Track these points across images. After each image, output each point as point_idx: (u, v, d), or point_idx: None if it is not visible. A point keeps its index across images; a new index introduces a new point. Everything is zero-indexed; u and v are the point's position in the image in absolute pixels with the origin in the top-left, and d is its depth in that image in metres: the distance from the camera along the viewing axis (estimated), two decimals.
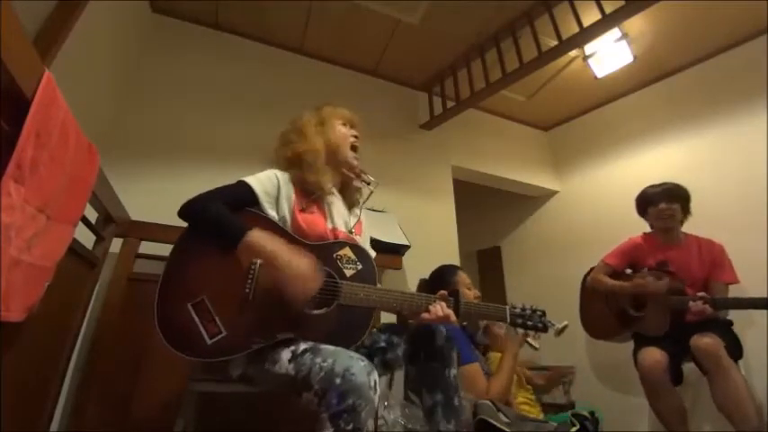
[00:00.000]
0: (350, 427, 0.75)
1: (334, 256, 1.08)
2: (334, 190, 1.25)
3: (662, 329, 1.82)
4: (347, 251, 1.10)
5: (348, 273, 1.07)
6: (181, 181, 1.92)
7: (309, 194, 1.16)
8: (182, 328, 0.92)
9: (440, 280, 1.79)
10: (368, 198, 1.31)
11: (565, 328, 1.23)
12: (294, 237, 1.07)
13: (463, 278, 1.78)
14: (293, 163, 1.17)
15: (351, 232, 1.20)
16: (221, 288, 0.97)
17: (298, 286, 0.92)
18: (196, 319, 0.93)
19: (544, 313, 1.22)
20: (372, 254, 1.25)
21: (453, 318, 1.09)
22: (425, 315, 1.08)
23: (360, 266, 1.09)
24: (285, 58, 2.48)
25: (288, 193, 1.13)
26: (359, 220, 1.28)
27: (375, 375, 0.83)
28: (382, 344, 1.11)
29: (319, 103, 1.33)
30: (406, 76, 2.77)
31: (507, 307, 1.21)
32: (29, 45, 0.68)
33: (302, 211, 1.12)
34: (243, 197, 1.08)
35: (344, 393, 0.77)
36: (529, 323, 1.19)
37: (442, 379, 1.03)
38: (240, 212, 1.04)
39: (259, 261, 0.99)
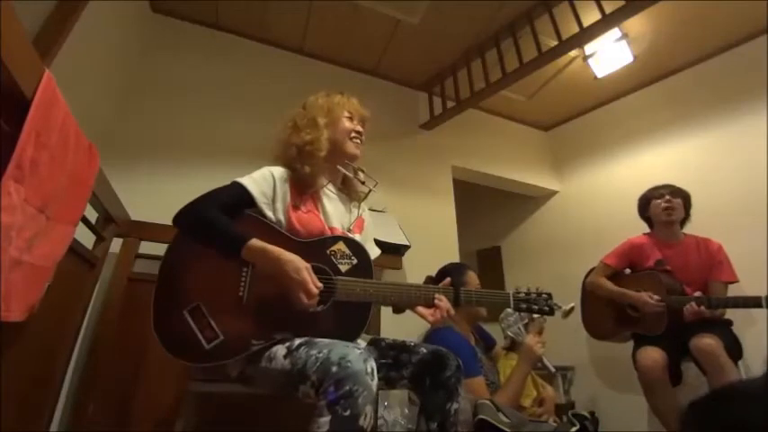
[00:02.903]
0: (347, 413, 0.74)
1: (328, 251, 1.06)
2: (332, 187, 1.22)
3: (659, 329, 1.82)
4: (341, 246, 1.07)
5: (343, 268, 1.05)
6: (181, 181, 1.92)
7: (305, 190, 1.14)
8: (179, 334, 0.93)
9: (451, 279, 1.77)
10: (366, 197, 1.28)
11: (572, 309, 1.20)
12: (288, 236, 1.05)
13: (473, 278, 1.75)
14: (300, 151, 1.13)
15: (349, 230, 1.18)
16: (216, 293, 0.97)
17: (303, 294, 0.91)
18: (192, 325, 0.93)
19: (550, 296, 1.19)
20: (377, 252, 1.23)
21: (452, 311, 1.07)
22: (436, 317, 1.06)
23: (355, 261, 1.07)
24: (285, 58, 2.48)
25: (283, 191, 1.10)
26: (359, 218, 1.26)
27: (372, 363, 0.82)
28: (389, 360, 1.08)
29: (332, 90, 1.28)
30: (406, 76, 2.77)
31: (511, 291, 1.18)
32: (29, 45, 0.68)
33: (296, 208, 1.10)
34: (238, 199, 1.05)
35: (341, 380, 0.77)
36: (534, 307, 1.16)
37: (443, 411, 1.01)
38: (236, 216, 1.03)
39: (251, 264, 0.99)
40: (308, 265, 0.95)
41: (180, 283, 0.97)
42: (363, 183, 1.25)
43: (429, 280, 1.91)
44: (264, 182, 1.09)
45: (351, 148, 1.20)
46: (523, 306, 1.16)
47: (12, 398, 0.87)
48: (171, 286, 0.97)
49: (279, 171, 1.13)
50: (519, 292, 1.18)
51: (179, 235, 1.02)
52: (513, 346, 1.88)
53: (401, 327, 1.66)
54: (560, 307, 1.18)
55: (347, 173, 1.22)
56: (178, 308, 0.94)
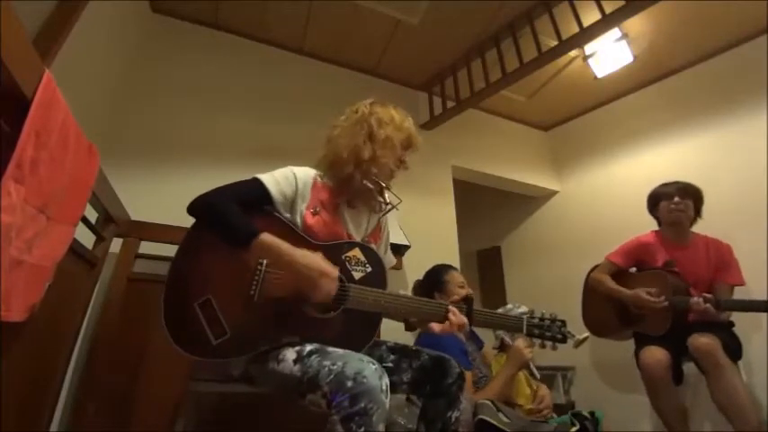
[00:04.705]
0: (361, 430, 0.74)
1: (343, 257, 1.04)
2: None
3: (662, 329, 1.81)
4: (357, 252, 1.06)
5: (357, 275, 1.04)
6: (181, 181, 1.93)
7: (331, 196, 1.12)
8: (187, 327, 0.92)
9: (432, 279, 1.79)
10: (387, 212, 1.25)
11: (585, 339, 1.15)
12: (304, 237, 1.04)
13: (455, 276, 1.76)
14: (368, 164, 1.12)
15: (364, 240, 1.17)
16: (228, 288, 0.96)
17: (321, 284, 0.91)
18: (202, 318, 0.93)
19: (564, 323, 1.14)
20: (392, 261, 1.20)
21: (467, 326, 1.06)
22: (444, 327, 1.04)
23: (369, 269, 1.05)
24: (285, 58, 2.48)
25: (304, 194, 1.09)
26: (377, 228, 1.24)
27: (386, 379, 0.81)
28: (389, 363, 1.07)
29: (407, 108, 1.25)
30: (406, 76, 2.77)
31: (525, 317, 1.14)
32: (29, 45, 0.67)
33: (316, 213, 1.08)
34: (256, 196, 1.04)
35: (356, 396, 0.76)
36: (547, 334, 1.12)
37: (442, 419, 1.00)
38: (252, 212, 1.01)
39: (265, 262, 0.97)
40: (321, 255, 0.94)
41: (193, 275, 0.97)
42: (388, 203, 1.21)
43: (417, 284, 1.91)
44: (286, 182, 1.08)
45: (387, 177, 1.19)
46: (536, 332, 1.12)
47: (12, 398, 0.87)
48: (184, 277, 0.96)
49: (302, 172, 1.12)
50: (533, 317, 1.14)
51: (195, 227, 1.01)
52: (502, 346, 1.89)
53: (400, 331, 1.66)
54: (573, 336, 1.14)
55: (373, 188, 1.18)
56: (189, 300, 0.94)
